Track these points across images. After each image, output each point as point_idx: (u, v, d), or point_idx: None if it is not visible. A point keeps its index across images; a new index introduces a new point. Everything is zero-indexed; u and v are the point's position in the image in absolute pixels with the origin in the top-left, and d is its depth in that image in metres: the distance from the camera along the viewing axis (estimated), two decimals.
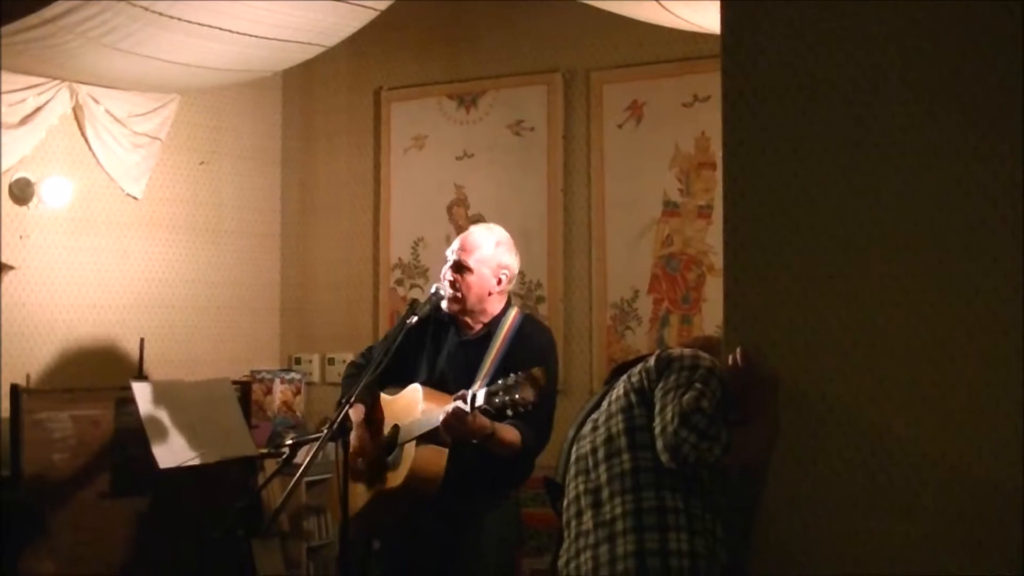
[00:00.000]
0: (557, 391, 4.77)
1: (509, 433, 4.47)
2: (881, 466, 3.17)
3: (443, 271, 4.76)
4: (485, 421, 4.35)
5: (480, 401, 4.27)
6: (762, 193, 3.37)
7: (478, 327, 4.77)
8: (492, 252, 4.75)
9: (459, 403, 4.34)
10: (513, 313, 4.79)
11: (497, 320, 4.76)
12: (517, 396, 4.20)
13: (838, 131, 3.28)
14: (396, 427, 4.66)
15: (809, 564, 3.25)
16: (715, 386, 3.26)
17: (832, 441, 3.24)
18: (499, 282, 4.77)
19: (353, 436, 4.53)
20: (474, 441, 4.40)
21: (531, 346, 4.62)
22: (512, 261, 4.81)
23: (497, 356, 4.63)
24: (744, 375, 3.30)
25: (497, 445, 4.45)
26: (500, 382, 4.30)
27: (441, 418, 4.38)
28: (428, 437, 4.50)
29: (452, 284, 4.70)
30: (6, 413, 5.63)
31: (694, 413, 3.17)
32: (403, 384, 4.78)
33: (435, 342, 4.82)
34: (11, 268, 6.15)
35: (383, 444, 4.69)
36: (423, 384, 4.68)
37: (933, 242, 3.14)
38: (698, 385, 3.24)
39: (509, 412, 4.24)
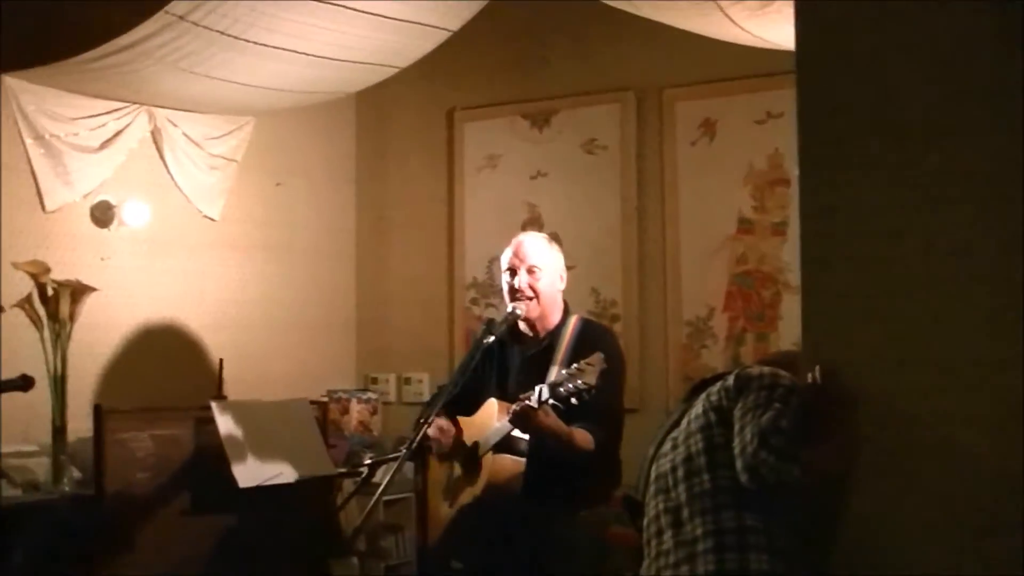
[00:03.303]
0: (623, 386, 4.91)
1: (582, 436, 4.56)
2: (963, 484, 3.13)
3: (513, 284, 4.79)
4: (560, 424, 4.41)
5: (546, 395, 4.34)
6: (838, 208, 3.35)
7: (541, 338, 4.81)
8: (550, 251, 4.86)
9: (526, 401, 4.43)
10: (572, 320, 4.86)
11: (558, 329, 4.81)
12: (580, 382, 4.31)
13: (915, 145, 3.25)
14: (476, 444, 4.71)
15: None
16: (795, 405, 3.24)
17: (913, 459, 3.20)
18: (560, 279, 4.87)
19: (434, 431, 4.60)
20: (551, 441, 4.48)
21: (594, 348, 4.64)
22: (562, 259, 4.95)
23: (562, 362, 4.69)
24: (823, 393, 3.28)
25: (573, 448, 4.54)
26: (562, 372, 4.43)
27: (511, 419, 4.45)
28: (505, 447, 4.56)
29: (529, 289, 4.75)
30: (90, 433, 5.70)
31: (773, 434, 3.16)
32: (474, 412, 4.84)
33: (500, 363, 4.88)
34: (93, 290, 6.22)
35: (465, 462, 4.74)
36: None
37: (1020, 253, 3.10)
38: (777, 405, 3.23)
39: (574, 400, 4.32)
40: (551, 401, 4.37)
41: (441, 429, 4.73)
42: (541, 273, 4.79)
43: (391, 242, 8.19)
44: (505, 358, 4.87)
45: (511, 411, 4.48)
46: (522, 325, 4.83)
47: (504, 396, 4.77)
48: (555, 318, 4.84)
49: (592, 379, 4.31)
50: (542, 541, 4.63)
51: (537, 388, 4.42)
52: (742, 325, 6.84)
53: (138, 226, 6.81)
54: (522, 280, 4.78)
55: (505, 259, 4.87)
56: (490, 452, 4.60)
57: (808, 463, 3.14)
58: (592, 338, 4.78)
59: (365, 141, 8.33)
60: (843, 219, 3.33)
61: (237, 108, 7.13)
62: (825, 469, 3.21)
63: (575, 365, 4.38)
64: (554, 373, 4.65)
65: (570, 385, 4.32)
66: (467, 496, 4.66)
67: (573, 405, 4.36)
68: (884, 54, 3.31)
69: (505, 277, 4.87)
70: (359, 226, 8.31)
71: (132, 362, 6.79)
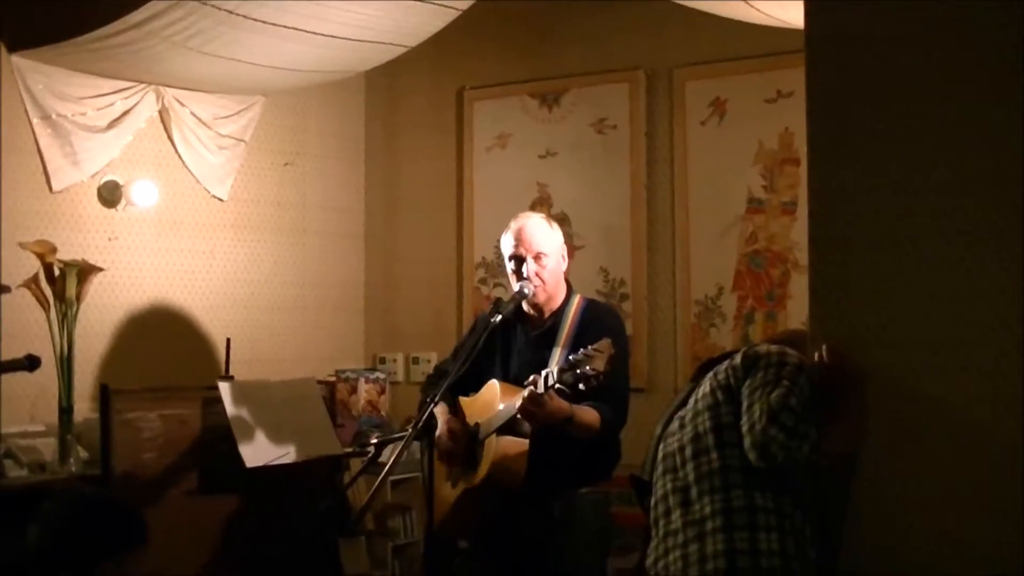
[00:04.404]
0: (628, 367, 4.86)
1: (588, 415, 4.52)
2: (973, 465, 3.12)
3: (521, 270, 4.76)
4: (563, 404, 4.40)
5: (552, 380, 4.32)
6: (847, 188, 3.33)
7: (545, 318, 4.80)
8: (552, 233, 4.84)
9: (533, 387, 4.38)
10: (576, 300, 4.85)
11: (562, 310, 4.80)
12: (588, 368, 4.27)
13: (924, 125, 3.23)
14: (477, 425, 4.69)
15: (900, 563, 3.20)
16: (803, 383, 3.23)
17: (922, 438, 3.19)
18: (563, 258, 4.86)
19: (442, 429, 4.60)
20: (554, 424, 4.45)
21: (598, 328, 4.62)
22: (562, 237, 4.92)
23: (566, 344, 4.67)
24: (831, 372, 3.27)
25: (577, 427, 4.50)
26: (570, 358, 4.36)
27: (518, 405, 4.41)
28: (508, 429, 4.54)
29: (537, 277, 4.74)
30: (97, 413, 5.70)
31: (783, 411, 3.14)
32: (478, 390, 4.82)
33: (504, 343, 4.86)
34: (100, 270, 6.21)
35: (466, 443, 4.72)
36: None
37: None
38: (786, 382, 3.22)
39: (582, 386, 4.29)
40: (557, 386, 4.35)
41: (453, 433, 4.73)
42: (547, 259, 4.78)
43: (400, 222, 8.18)
44: (508, 338, 4.86)
45: (519, 397, 4.44)
46: (526, 306, 4.81)
47: (507, 377, 4.76)
48: (559, 298, 4.83)
49: (601, 365, 4.29)
50: (548, 521, 4.61)
51: (544, 373, 4.39)
52: (751, 304, 6.82)
53: (146, 206, 6.82)
54: (530, 269, 4.76)
55: (507, 245, 4.84)
56: (493, 435, 4.58)
57: (817, 442, 3.13)
58: (596, 319, 4.76)
59: (374, 120, 8.30)
60: (852, 198, 3.32)
61: (246, 88, 7.11)
62: (835, 449, 3.19)
63: (582, 351, 4.35)
64: (557, 355, 4.64)
65: (578, 371, 4.29)
66: (472, 479, 4.65)
67: (580, 390, 4.34)
68: (893, 33, 3.30)
69: (510, 265, 4.85)
70: (368, 206, 8.29)
71: (139, 342, 6.79)
